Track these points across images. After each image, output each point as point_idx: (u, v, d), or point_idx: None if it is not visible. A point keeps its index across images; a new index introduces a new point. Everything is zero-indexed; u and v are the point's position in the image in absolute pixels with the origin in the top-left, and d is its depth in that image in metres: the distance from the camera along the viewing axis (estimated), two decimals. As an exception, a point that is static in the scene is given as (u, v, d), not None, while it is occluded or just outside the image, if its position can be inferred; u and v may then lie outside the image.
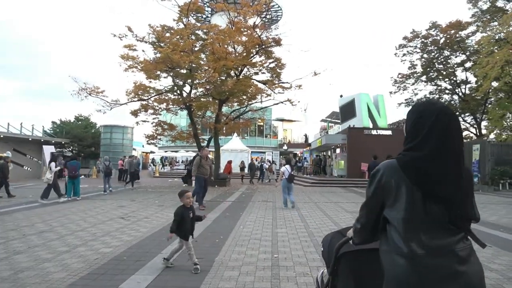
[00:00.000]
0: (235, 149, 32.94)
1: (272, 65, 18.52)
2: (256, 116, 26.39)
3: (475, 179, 19.66)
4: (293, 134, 58.13)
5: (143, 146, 48.16)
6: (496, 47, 24.81)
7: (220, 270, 4.67)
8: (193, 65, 17.13)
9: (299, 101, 19.36)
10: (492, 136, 30.59)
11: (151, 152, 47.23)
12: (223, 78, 18.03)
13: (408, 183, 1.47)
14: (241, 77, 18.26)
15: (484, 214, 9.98)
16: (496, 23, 27.30)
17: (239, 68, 18.06)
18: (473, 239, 1.55)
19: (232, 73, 18.52)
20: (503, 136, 25.22)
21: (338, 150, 27.30)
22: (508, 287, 4.17)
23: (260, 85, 18.67)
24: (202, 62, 17.71)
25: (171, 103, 20.07)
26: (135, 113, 19.37)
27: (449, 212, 1.47)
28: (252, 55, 18.27)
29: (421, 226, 1.46)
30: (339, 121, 33.98)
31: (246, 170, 26.18)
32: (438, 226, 1.47)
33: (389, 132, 24.57)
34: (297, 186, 21.02)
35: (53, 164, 12.43)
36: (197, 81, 18.49)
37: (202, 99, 19.30)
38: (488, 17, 29.18)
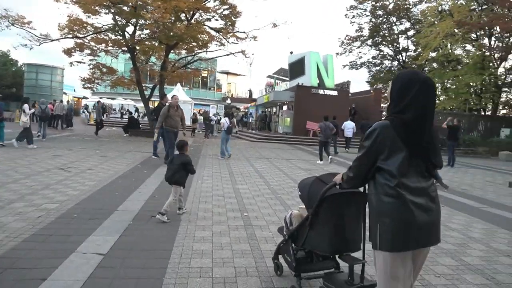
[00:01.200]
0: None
1: (226, 12, 17.21)
2: (205, 66, 25.04)
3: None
4: (237, 88, 57.23)
5: (74, 90, 44.06)
6: (438, 18, 25.89)
7: (190, 230, 4.25)
8: (140, 3, 15.29)
9: (253, 54, 18.53)
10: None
11: (84, 97, 43.43)
12: (172, 21, 16.40)
13: (399, 140, 1.82)
14: (192, 21, 16.78)
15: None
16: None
17: (191, 12, 16.51)
18: (439, 182, 2.82)
19: (182, 16, 16.92)
20: (453, 104, 26.87)
21: (285, 107, 27.40)
22: (473, 245, 4.36)
23: (213, 33, 17.34)
24: (149, 1, 15.81)
25: (111, 44, 18.04)
26: (68, 52, 17.07)
27: (425, 162, 1.90)
28: (206, -3, 16.79)
29: (406, 174, 1.84)
30: (286, 78, 33.91)
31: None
32: (417, 173, 1.88)
33: (335, 93, 25.04)
34: (243, 141, 20.88)
35: (26, 106, 10.81)
36: (142, 21, 16.66)
37: (147, 42, 17.56)
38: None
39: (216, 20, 17.64)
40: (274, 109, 31.18)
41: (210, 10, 16.63)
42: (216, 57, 21.98)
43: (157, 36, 16.26)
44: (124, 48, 18.19)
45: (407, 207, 1.80)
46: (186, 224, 4.45)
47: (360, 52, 38.51)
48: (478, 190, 8.51)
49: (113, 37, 18.09)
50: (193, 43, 17.44)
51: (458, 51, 28.13)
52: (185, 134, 9.40)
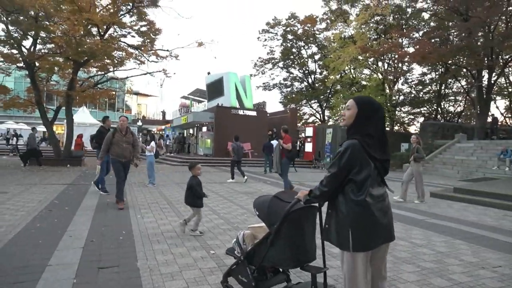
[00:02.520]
0: (83, 123, 28.45)
1: (144, 28, 16.11)
2: (117, 86, 23.10)
3: (327, 159, 22.26)
4: (149, 109, 54.67)
5: None
6: (342, 44, 28.37)
7: (156, 281, 3.40)
8: (42, 13, 13.35)
9: (174, 73, 17.63)
10: (331, 121, 35.45)
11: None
12: (82, 35, 14.67)
13: (367, 156, 2.17)
14: (106, 37, 15.23)
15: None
16: (340, 23, 31.22)
17: (105, 27, 14.99)
18: (388, 188, 2.37)
19: (94, 31, 15.28)
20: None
21: (204, 129, 26.75)
22: (424, 250, 4.36)
23: (132, 50, 15.96)
24: (52, 11, 13.89)
25: (1, 59, 15.48)
26: None
27: (381, 173, 2.29)
28: (122, 13, 15.44)
29: (371, 184, 2.17)
30: (202, 99, 33.39)
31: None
32: (377, 183, 2.25)
33: (254, 113, 25.37)
34: (164, 165, 19.55)
35: None
36: (45, 34, 14.59)
37: (50, 58, 15.39)
38: (334, 18, 33.05)
39: (133, 36, 16.38)
40: (192, 131, 30.28)
41: (126, 26, 15.38)
42: (131, 76, 20.45)
43: (63, 51, 14.35)
44: (20, 64, 15.72)
45: (372, 212, 2.14)
46: (148, 276, 3.57)
47: (272, 74, 40.16)
48: (409, 203, 9.04)
49: (5, 50, 15.55)
50: (107, 60, 15.83)
51: (365, 73, 31.18)
52: (137, 165, 7.26)
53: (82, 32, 14.05)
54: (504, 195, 8.80)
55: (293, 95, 39.46)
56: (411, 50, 24.92)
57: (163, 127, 41.03)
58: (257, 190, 10.57)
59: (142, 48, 15.72)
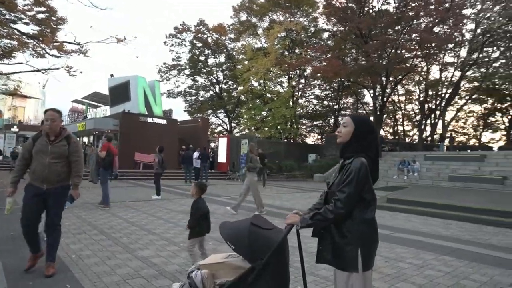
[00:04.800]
0: None
1: (41, 15, 13.27)
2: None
3: (242, 171, 21.82)
4: (27, 113, 46.84)
5: None
6: (253, 56, 28.61)
7: None
8: None
9: (81, 72, 14.97)
10: (236, 131, 35.44)
11: None
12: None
13: (369, 174, 2.19)
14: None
15: (274, 200, 10.83)
16: (250, 35, 31.67)
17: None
18: None
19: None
20: (270, 133, 29.17)
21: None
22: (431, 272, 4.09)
23: (28, 39, 12.87)
24: None
25: None
26: None
27: None
28: (12, -8, 12.39)
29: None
30: (100, 104, 29.92)
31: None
32: None
33: (164, 121, 23.60)
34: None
35: None
36: None
37: None
38: (242, 29, 33.42)
39: (26, 24, 13.29)
40: (85, 139, 26.72)
41: (19, 10, 12.38)
42: (19, 72, 16.65)
43: None
44: None
45: (376, 230, 2.19)
46: None
47: (177, 81, 38.40)
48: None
49: None
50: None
51: (276, 85, 31.99)
52: (78, 196, 4.22)
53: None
54: (441, 205, 9.44)
55: (200, 104, 38.38)
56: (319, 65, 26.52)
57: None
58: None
59: (42, 39, 12.88)
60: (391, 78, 26.62)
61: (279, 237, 2.12)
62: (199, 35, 33.72)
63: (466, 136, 43.29)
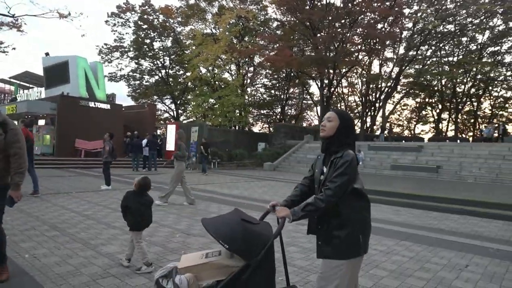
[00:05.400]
0: None
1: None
2: None
3: (194, 159, 21.39)
4: None
5: None
6: (202, 42, 27.82)
7: None
8: None
9: (14, 48, 13.32)
10: (182, 118, 34.52)
11: None
12: None
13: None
14: None
15: (230, 189, 10.83)
16: (199, 20, 30.75)
17: None
18: None
19: None
20: (219, 121, 28.61)
21: (41, 122, 21.75)
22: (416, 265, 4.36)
23: None
24: None
25: None
26: None
27: None
28: None
29: None
30: (33, 85, 27.26)
31: None
32: None
33: (107, 106, 22.16)
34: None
35: None
36: None
37: None
38: (190, 13, 32.27)
39: None
40: (17, 123, 24.21)
41: None
42: None
43: None
44: None
45: (370, 215, 2.29)
46: None
47: (120, 64, 36.22)
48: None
49: None
50: None
51: (226, 73, 31.51)
52: (18, 198, 3.29)
53: None
54: (389, 192, 10.01)
55: (145, 89, 36.68)
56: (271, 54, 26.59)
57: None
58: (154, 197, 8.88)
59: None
60: (337, 71, 27.60)
61: (270, 231, 2.12)
62: (145, 16, 31.96)
63: (401, 128, 46.64)
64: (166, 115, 39.41)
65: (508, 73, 34.96)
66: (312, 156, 22.66)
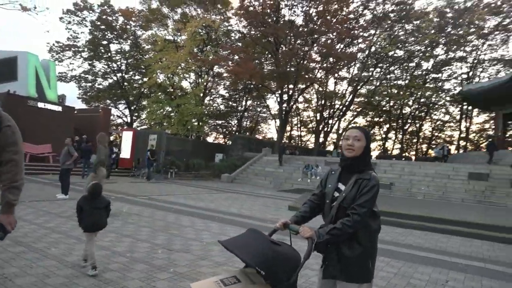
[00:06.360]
0: None
1: None
2: None
3: (151, 168, 20.60)
4: None
5: None
6: (163, 48, 27.21)
7: None
8: None
9: None
10: (136, 124, 33.27)
11: None
12: None
13: None
14: None
15: (196, 201, 10.64)
16: (161, 26, 30.14)
17: None
18: None
19: None
20: (177, 130, 27.76)
21: (-20, 121, 19.72)
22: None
23: None
24: None
25: None
26: None
27: None
28: None
29: None
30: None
31: None
32: None
33: (59, 108, 20.74)
34: None
35: None
36: None
37: None
38: (151, 17, 31.53)
39: None
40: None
41: None
42: None
43: None
44: None
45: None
46: None
47: (72, 64, 34.24)
48: (269, 214, 9.28)
49: None
50: None
51: (186, 83, 30.97)
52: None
53: None
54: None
55: (98, 92, 34.92)
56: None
57: None
58: (117, 208, 8.34)
59: None
60: (297, 86, 28.38)
61: (296, 252, 2.02)
62: (104, 16, 30.63)
63: (351, 144, 48.87)
64: (120, 120, 37.78)
65: (447, 99, 38.21)
66: (270, 169, 22.90)
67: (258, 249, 1.92)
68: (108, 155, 16.40)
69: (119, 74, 35.67)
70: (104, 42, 32.90)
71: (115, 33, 32.18)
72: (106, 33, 32.26)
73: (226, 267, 4.54)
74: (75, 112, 22.89)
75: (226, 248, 2.03)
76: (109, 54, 33.80)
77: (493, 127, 30.25)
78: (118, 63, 34.85)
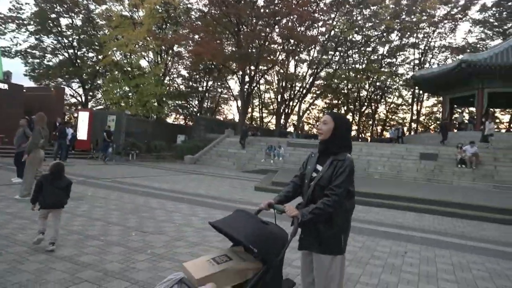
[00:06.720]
0: None
1: None
2: None
3: (110, 150, 19.89)
4: None
5: None
6: (119, 24, 25.84)
7: None
8: None
9: None
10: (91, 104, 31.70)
11: None
12: None
13: None
14: None
15: (160, 183, 10.62)
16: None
17: None
18: None
19: None
20: (136, 110, 26.67)
21: None
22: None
23: None
24: None
25: None
26: None
27: None
28: None
29: None
30: None
31: None
32: None
33: (5, 86, 19.22)
34: None
35: None
36: None
37: None
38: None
39: None
40: None
41: None
42: None
43: None
44: None
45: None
46: None
47: (16, 38, 31.54)
48: (237, 195, 9.49)
49: None
50: None
51: (144, 62, 29.73)
52: None
53: None
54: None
55: (48, 70, 32.66)
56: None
57: None
58: (81, 192, 8.07)
59: None
60: (259, 68, 28.38)
61: (283, 230, 2.15)
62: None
63: (310, 126, 50.03)
64: (74, 100, 35.76)
65: (401, 83, 40.11)
66: (233, 150, 22.98)
67: (251, 229, 2.04)
68: (60, 137, 15.77)
69: (70, 51, 33.44)
70: (53, 16, 30.55)
71: (65, 6, 29.94)
72: (54, 5, 29.95)
73: (208, 247, 4.65)
74: (24, 91, 21.35)
75: (215, 228, 2.13)
76: (59, 28, 31.49)
77: (441, 110, 32.29)
78: (70, 38, 32.61)
